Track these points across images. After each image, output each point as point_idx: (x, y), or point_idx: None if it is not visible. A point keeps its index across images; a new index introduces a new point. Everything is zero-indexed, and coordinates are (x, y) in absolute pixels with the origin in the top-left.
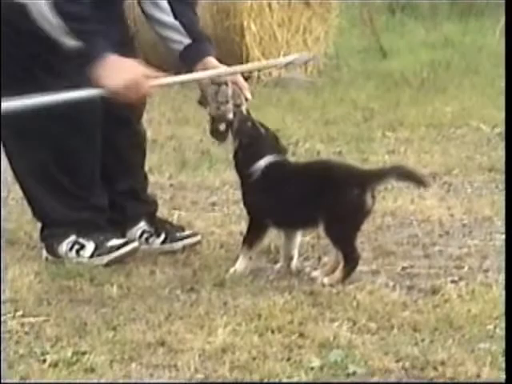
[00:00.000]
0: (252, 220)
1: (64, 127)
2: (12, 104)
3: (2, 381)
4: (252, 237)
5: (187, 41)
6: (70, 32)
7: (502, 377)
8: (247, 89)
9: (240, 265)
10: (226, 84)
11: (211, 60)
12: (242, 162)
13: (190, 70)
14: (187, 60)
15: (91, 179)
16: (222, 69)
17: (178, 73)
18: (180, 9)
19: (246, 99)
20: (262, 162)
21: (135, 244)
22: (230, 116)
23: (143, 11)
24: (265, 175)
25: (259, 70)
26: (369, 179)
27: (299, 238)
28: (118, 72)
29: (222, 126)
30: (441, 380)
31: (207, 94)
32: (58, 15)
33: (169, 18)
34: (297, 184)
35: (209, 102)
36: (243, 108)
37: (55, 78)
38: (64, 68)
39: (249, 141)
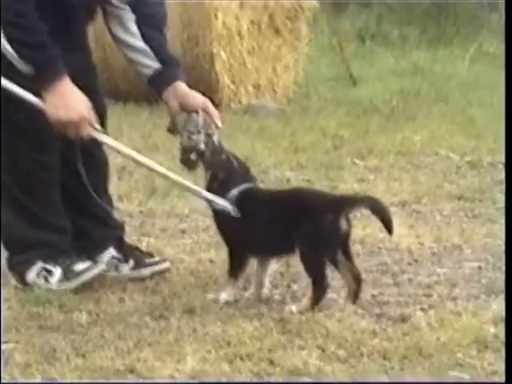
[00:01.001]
0: (232, 251)
1: (24, 150)
2: None
3: (2, 381)
4: (235, 267)
5: (156, 65)
6: (22, 59)
7: None
8: (218, 117)
9: (229, 295)
10: (197, 112)
11: (180, 84)
12: (214, 193)
13: (159, 95)
14: (156, 85)
15: (51, 200)
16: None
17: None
18: (149, 33)
19: (217, 127)
20: (235, 191)
21: (102, 266)
22: (202, 146)
23: (112, 35)
24: (238, 203)
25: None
26: (342, 204)
27: (273, 266)
28: (65, 104)
29: (193, 156)
30: None
31: (177, 122)
32: (9, 43)
33: (138, 42)
34: (271, 211)
35: (179, 130)
36: (215, 138)
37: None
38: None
39: (221, 173)
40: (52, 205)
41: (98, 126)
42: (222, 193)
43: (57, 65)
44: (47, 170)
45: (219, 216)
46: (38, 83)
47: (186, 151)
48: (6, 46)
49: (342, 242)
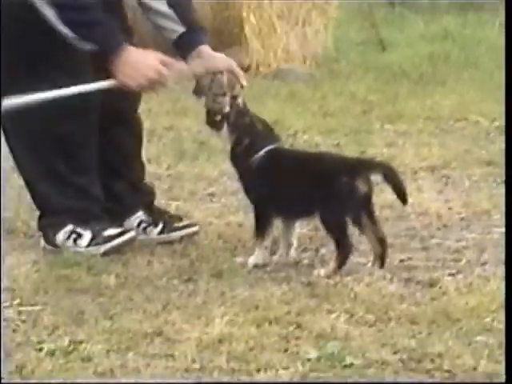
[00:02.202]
0: (257, 211)
1: (61, 114)
2: (15, 101)
3: (2, 381)
4: (262, 228)
5: (181, 29)
6: (82, 39)
7: (500, 369)
8: (242, 76)
9: (257, 258)
10: (221, 73)
11: (205, 49)
12: (239, 156)
13: (184, 58)
14: (180, 49)
15: (87, 167)
16: None
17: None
18: None
19: (242, 87)
20: (261, 153)
21: (132, 233)
22: (227, 109)
23: (138, 1)
24: (263, 163)
25: None
26: (357, 167)
27: (298, 228)
28: (133, 70)
29: (218, 118)
30: (438, 372)
31: (202, 84)
32: (66, 25)
33: (163, 7)
34: (294, 173)
35: (204, 92)
36: (240, 100)
37: (65, 76)
38: (75, 66)
39: (245, 135)
40: (88, 172)
41: (171, 60)
42: (247, 155)
43: (116, 37)
44: (86, 136)
45: (244, 178)
46: (103, 59)
47: (211, 113)
48: (63, 29)
49: (363, 205)
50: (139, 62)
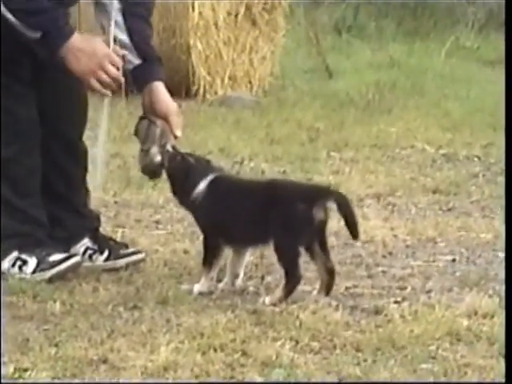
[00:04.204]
0: (207, 240)
1: (2, 138)
2: None
3: (3, 381)
4: (210, 257)
5: (136, 61)
6: (29, 27)
7: None
8: (178, 127)
9: (203, 286)
10: (155, 124)
11: (156, 85)
12: (181, 194)
13: (138, 90)
14: (136, 80)
15: (31, 192)
16: None
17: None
18: (135, 25)
19: (175, 137)
20: (201, 185)
21: (77, 258)
22: (158, 159)
23: (99, 23)
24: (208, 194)
25: None
26: (315, 194)
27: (248, 256)
28: (83, 54)
29: (152, 168)
30: None
31: (140, 130)
32: (13, 14)
33: (122, 36)
34: (245, 200)
35: (140, 137)
36: (168, 146)
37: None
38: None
39: (181, 174)
40: (30, 195)
41: (122, 52)
42: (188, 192)
43: (63, 25)
44: (27, 157)
45: (194, 210)
46: (50, 46)
47: (144, 167)
48: (9, 16)
49: (317, 232)
50: (86, 46)
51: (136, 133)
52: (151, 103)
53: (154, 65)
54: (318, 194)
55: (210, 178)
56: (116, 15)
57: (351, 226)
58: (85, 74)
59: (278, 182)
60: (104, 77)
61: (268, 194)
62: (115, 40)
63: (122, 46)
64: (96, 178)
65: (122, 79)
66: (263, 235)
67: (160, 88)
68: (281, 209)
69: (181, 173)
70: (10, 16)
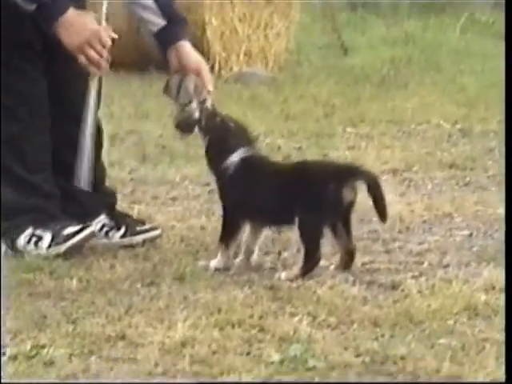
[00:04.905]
0: (228, 217)
1: (7, 116)
2: None
3: (3, 381)
4: (229, 234)
5: (162, 22)
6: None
7: (462, 371)
8: (210, 81)
9: (219, 262)
10: (189, 78)
11: (183, 44)
12: (215, 158)
13: (163, 52)
14: (161, 42)
15: (41, 167)
16: None
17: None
18: None
19: (208, 92)
20: (235, 157)
21: (91, 229)
22: (197, 116)
23: None
24: (239, 170)
25: None
26: (345, 174)
27: (264, 233)
28: (77, 29)
29: (188, 123)
30: (401, 375)
31: (170, 85)
32: None
33: None
34: (274, 181)
35: (172, 94)
36: (208, 103)
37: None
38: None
39: (218, 137)
40: (41, 170)
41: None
42: (221, 159)
43: (56, 1)
44: (37, 135)
45: (220, 181)
46: (45, 19)
47: (180, 122)
48: None
49: (344, 213)
50: (77, 23)
51: (166, 89)
52: (180, 61)
53: (179, 25)
54: (348, 174)
55: (245, 149)
56: None
57: (380, 208)
58: (74, 49)
59: (308, 162)
60: (92, 53)
61: (297, 174)
62: (137, 4)
63: (146, 8)
64: (82, 170)
65: (109, 58)
66: (288, 216)
67: (188, 46)
68: (310, 189)
69: (218, 135)
70: None
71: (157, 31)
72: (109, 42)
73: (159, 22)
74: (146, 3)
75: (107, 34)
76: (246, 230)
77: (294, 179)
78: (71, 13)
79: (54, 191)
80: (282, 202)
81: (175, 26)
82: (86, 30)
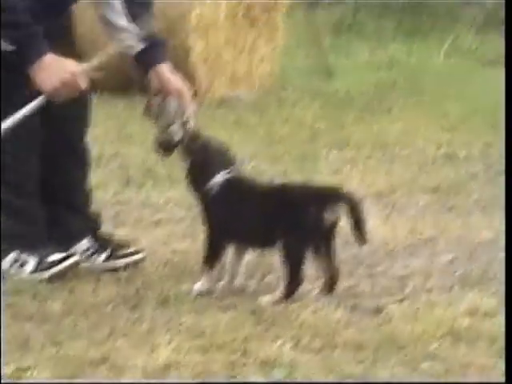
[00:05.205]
0: (211, 239)
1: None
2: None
3: (2, 381)
4: (212, 256)
5: (140, 46)
6: (6, 39)
7: None
8: (191, 102)
9: (203, 285)
10: (169, 99)
11: (162, 66)
12: (197, 179)
13: (143, 76)
14: (140, 65)
15: (29, 192)
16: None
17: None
18: (136, 11)
19: (190, 114)
20: (218, 178)
21: (76, 257)
22: (178, 137)
23: (98, 14)
24: (223, 191)
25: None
26: (326, 196)
27: (248, 256)
28: (53, 72)
29: (169, 145)
30: None
31: (151, 108)
32: None
33: (122, 21)
34: (257, 202)
35: (153, 116)
36: (190, 125)
37: None
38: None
39: (201, 158)
40: (28, 196)
41: (85, 65)
42: (204, 179)
43: (40, 42)
44: (25, 164)
45: (203, 204)
46: (23, 61)
47: (161, 143)
48: None
49: (326, 236)
50: (54, 66)
51: (146, 111)
52: (161, 83)
53: (158, 47)
54: (330, 197)
55: (227, 170)
56: (117, 4)
57: (359, 231)
58: (53, 90)
59: (290, 185)
60: (69, 92)
61: (280, 196)
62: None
63: (123, 31)
64: None
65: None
66: (270, 238)
67: (167, 68)
68: (291, 211)
69: (200, 157)
70: None
71: (136, 54)
72: (82, 88)
73: (137, 45)
74: (123, 26)
75: (84, 81)
76: (229, 253)
77: (276, 201)
78: (49, 56)
79: (40, 217)
80: (265, 223)
81: (154, 49)
82: (64, 72)
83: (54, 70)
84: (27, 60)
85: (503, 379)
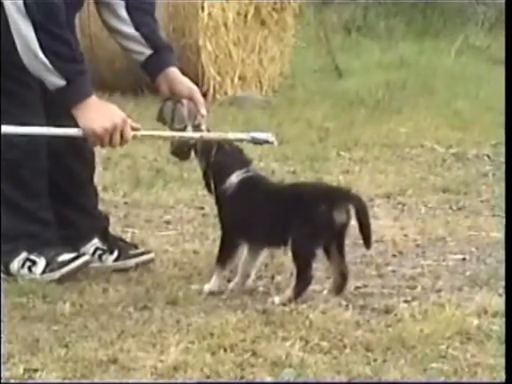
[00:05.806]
0: (226, 238)
1: (7, 141)
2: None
3: (3, 381)
4: (226, 255)
5: (148, 52)
6: (57, 71)
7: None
8: (203, 105)
9: (213, 285)
10: (181, 103)
11: (171, 70)
12: (213, 180)
13: (152, 81)
14: (148, 71)
15: (38, 193)
16: (198, 134)
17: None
18: (140, 19)
19: (202, 116)
20: (234, 178)
21: (86, 257)
22: (192, 141)
23: (104, 23)
24: (238, 191)
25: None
26: (336, 196)
27: (262, 257)
28: (99, 115)
29: (185, 148)
30: None
31: (164, 112)
32: (47, 54)
33: (128, 29)
34: (270, 200)
35: (166, 121)
36: (203, 127)
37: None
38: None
39: (216, 159)
40: (37, 196)
41: (135, 125)
42: (220, 180)
43: (87, 80)
44: (34, 161)
45: (219, 203)
46: (69, 97)
47: (176, 148)
48: (41, 56)
49: (336, 236)
50: (105, 108)
51: (160, 116)
52: (171, 87)
53: (165, 53)
54: (340, 196)
55: (243, 170)
56: (121, 12)
57: (365, 235)
58: (94, 134)
59: (302, 183)
60: (116, 138)
61: (291, 195)
62: (122, 35)
63: (130, 38)
64: None
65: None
66: (283, 237)
67: (176, 72)
68: (302, 209)
69: (215, 158)
70: (43, 57)
71: (143, 61)
72: (129, 138)
73: (145, 51)
74: (130, 33)
75: (130, 132)
76: (243, 253)
77: (289, 200)
78: (95, 98)
79: (49, 217)
80: (278, 222)
81: (161, 54)
82: (115, 116)
83: (105, 113)
84: (75, 97)
85: (503, 379)
